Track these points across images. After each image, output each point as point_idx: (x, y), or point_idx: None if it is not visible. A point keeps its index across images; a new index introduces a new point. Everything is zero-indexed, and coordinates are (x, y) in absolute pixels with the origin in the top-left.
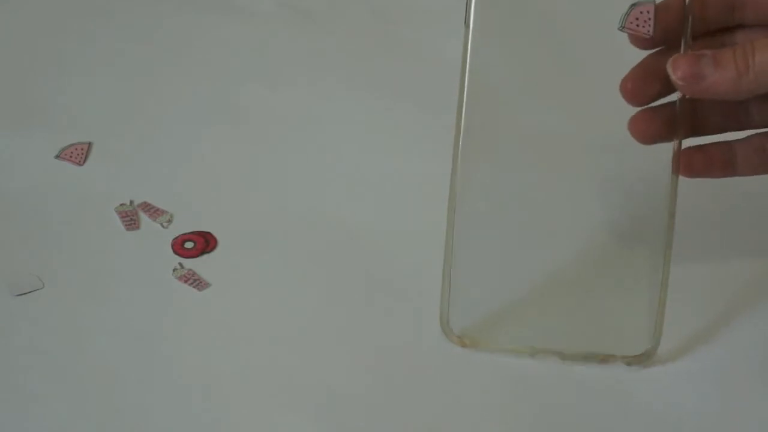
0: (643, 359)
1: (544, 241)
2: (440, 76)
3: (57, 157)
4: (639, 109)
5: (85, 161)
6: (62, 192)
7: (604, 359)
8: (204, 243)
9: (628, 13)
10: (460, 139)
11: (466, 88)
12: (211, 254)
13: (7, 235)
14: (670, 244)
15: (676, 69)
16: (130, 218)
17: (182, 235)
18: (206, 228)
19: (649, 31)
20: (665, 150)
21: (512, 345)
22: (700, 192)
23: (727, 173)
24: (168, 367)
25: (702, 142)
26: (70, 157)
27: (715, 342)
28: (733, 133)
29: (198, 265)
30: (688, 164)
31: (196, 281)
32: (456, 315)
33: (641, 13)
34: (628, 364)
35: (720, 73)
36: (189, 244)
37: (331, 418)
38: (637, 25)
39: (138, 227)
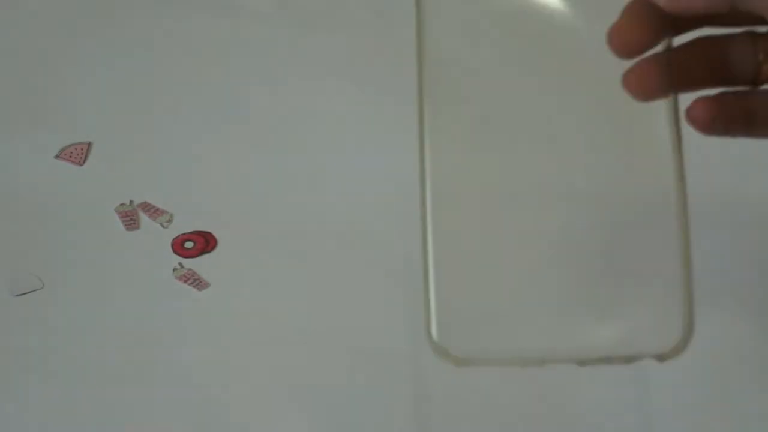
0: (675, 352)
1: (535, 235)
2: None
3: (57, 157)
4: (632, 63)
5: (85, 161)
6: (62, 192)
7: (629, 359)
8: (204, 243)
9: None
10: (425, 135)
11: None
12: (211, 254)
13: (7, 235)
14: (685, 215)
15: None
16: (130, 218)
17: (182, 234)
18: (206, 228)
19: None
20: (665, 110)
21: (516, 357)
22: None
23: (747, 130)
24: (168, 367)
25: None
26: (70, 157)
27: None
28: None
29: (198, 265)
30: (700, 116)
31: (196, 281)
32: (446, 329)
33: None
34: (660, 360)
35: None
36: (189, 244)
37: (330, 418)
38: None
39: (138, 227)
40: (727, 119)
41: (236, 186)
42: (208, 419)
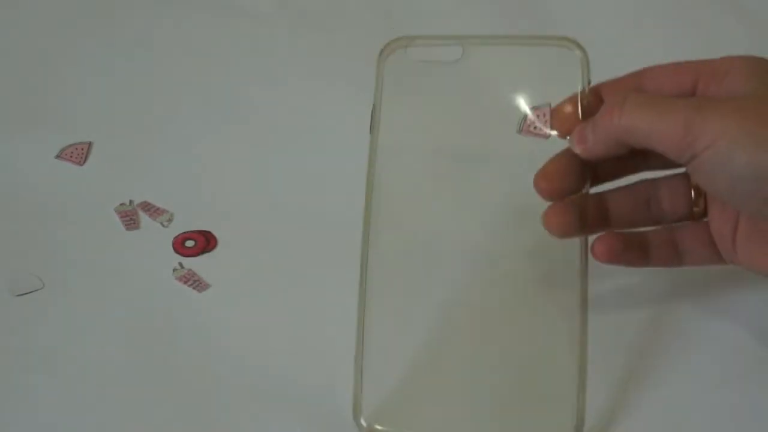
0: None
1: (455, 324)
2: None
3: (57, 157)
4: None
5: (85, 161)
6: (62, 192)
7: None
8: (204, 242)
9: (524, 118)
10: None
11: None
12: (212, 253)
13: (7, 235)
14: (585, 329)
15: (572, 137)
16: (130, 218)
17: (183, 233)
18: (206, 227)
19: (547, 133)
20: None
21: None
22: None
23: (642, 263)
24: (167, 367)
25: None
26: (70, 157)
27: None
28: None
29: (198, 264)
30: (605, 249)
31: (195, 282)
32: (368, 407)
33: (537, 116)
34: None
35: (595, 135)
36: (190, 243)
37: (330, 418)
38: (535, 128)
39: (138, 227)
40: (626, 254)
41: (236, 185)
42: (208, 419)
